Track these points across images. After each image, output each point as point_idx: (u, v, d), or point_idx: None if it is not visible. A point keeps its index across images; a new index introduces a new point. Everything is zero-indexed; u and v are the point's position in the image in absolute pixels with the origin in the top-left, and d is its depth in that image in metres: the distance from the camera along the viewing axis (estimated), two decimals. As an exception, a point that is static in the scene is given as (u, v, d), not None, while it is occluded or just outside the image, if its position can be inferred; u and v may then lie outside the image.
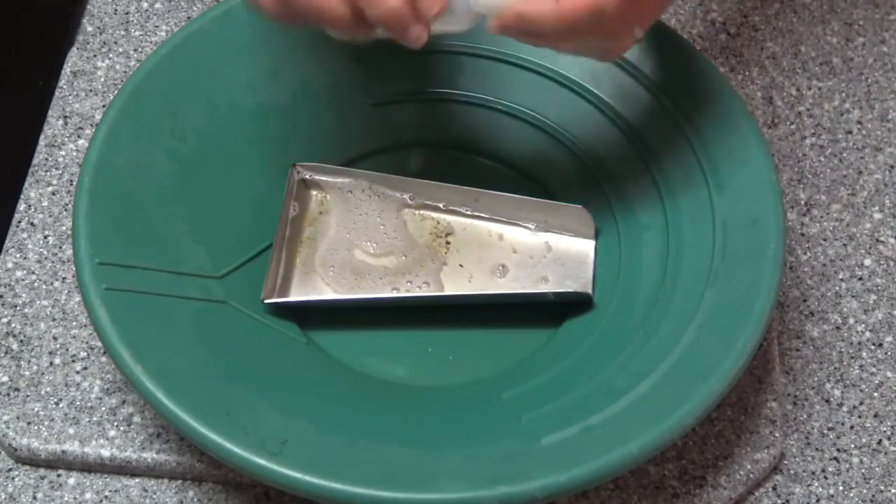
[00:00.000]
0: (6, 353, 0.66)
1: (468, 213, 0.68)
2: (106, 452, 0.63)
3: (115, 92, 0.71)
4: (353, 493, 0.54)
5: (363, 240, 0.67)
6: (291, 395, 0.59)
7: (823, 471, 0.64)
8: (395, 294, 0.65)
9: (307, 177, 0.68)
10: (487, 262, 0.66)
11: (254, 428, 0.56)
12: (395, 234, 0.67)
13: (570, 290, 0.65)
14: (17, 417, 0.63)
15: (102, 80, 0.75)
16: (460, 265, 0.66)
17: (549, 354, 0.63)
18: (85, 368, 0.65)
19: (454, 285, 0.66)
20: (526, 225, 0.67)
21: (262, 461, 0.55)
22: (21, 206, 0.71)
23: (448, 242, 0.67)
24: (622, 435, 0.56)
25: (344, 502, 0.54)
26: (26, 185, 0.71)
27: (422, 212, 0.68)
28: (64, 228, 0.70)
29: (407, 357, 0.64)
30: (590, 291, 0.65)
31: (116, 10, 0.78)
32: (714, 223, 0.63)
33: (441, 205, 0.68)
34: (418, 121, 0.70)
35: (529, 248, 0.67)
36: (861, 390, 0.67)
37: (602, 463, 0.55)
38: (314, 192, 0.68)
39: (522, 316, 0.65)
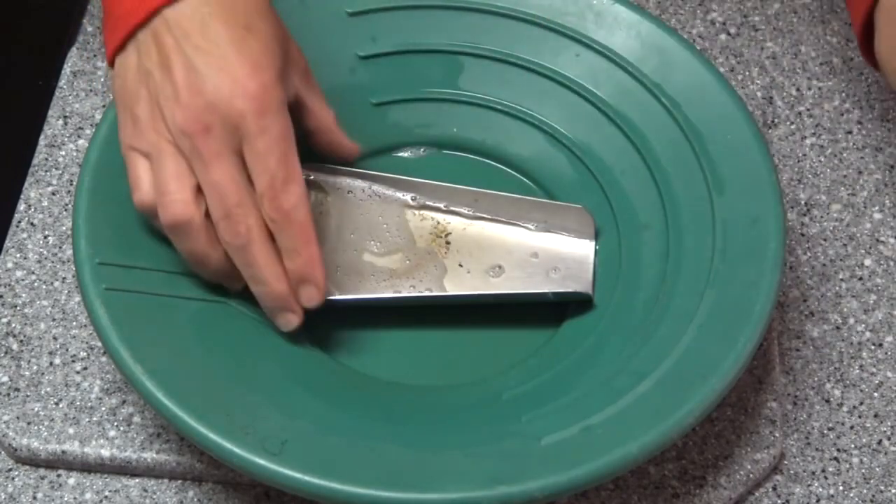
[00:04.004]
0: (6, 353, 0.66)
1: (469, 213, 0.68)
2: (106, 452, 0.63)
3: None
4: (354, 494, 0.54)
5: (368, 240, 0.66)
6: (291, 395, 0.59)
7: (823, 471, 0.64)
8: (395, 294, 0.65)
9: (308, 177, 0.68)
10: (487, 262, 0.66)
11: (254, 428, 0.56)
12: (398, 234, 0.67)
13: (570, 290, 0.65)
14: (17, 417, 0.63)
15: (102, 80, 0.75)
16: (460, 265, 0.66)
17: (549, 354, 0.63)
18: (85, 368, 0.65)
19: (454, 286, 0.65)
20: (526, 225, 0.67)
21: (262, 461, 0.55)
22: (21, 206, 0.71)
23: (448, 243, 0.67)
24: (622, 435, 0.56)
25: (344, 502, 0.54)
26: (26, 185, 0.71)
27: (422, 212, 0.68)
28: (64, 228, 0.70)
29: (407, 357, 0.64)
30: (590, 291, 0.64)
31: (116, 10, 0.78)
32: (714, 223, 0.63)
33: (442, 205, 0.68)
34: (418, 121, 0.70)
35: (530, 248, 0.67)
36: (861, 390, 0.67)
37: (602, 463, 0.55)
38: (314, 193, 0.68)
39: (522, 316, 0.65)
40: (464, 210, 0.68)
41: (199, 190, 0.58)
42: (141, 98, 0.59)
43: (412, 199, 0.68)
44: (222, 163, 0.57)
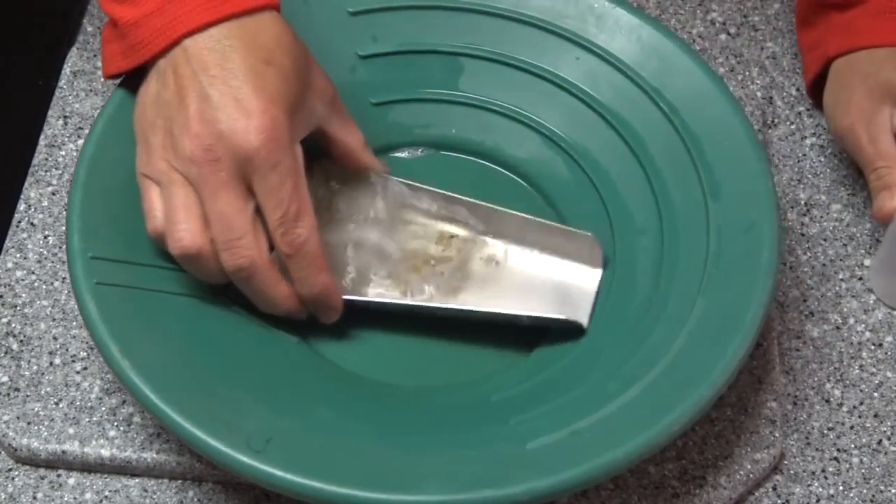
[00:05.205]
0: (6, 353, 0.66)
1: (477, 227, 0.67)
2: (106, 452, 0.63)
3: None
4: (337, 493, 0.54)
5: (368, 240, 0.66)
6: (279, 392, 0.59)
7: (823, 471, 0.64)
8: (388, 300, 0.64)
9: (321, 167, 0.67)
10: (489, 279, 0.66)
11: (239, 425, 0.56)
12: (400, 236, 0.67)
13: (564, 317, 0.63)
14: (17, 417, 0.63)
15: (102, 80, 0.75)
16: (461, 278, 0.66)
17: (539, 358, 0.63)
18: (85, 368, 0.65)
19: (451, 296, 0.65)
20: (534, 247, 0.67)
21: (245, 459, 0.55)
22: (21, 206, 0.71)
23: (452, 255, 0.67)
24: (609, 440, 0.56)
25: (327, 502, 0.54)
26: (26, 185, 0.71)
27: (431, 222, 0.67)
28: (64, 228, 0.70)
29: (396, 357, 0.64)
30: (584, 322, 0.64)
31: (117, 9, 0.78)
32: (709, 229, 0.63)
33: (451, 217, 0.67)
34: (417, 121, 0.70)
35: (534, 271, 0.66)
36: (861, 390, 0.67)
37: (587, 468, 0.55)
38: (323, 186, 0.67)
39: (510, 325, 0.65)
40: (473, 224, 0.67)
41: (207, 218, 0.58)
42: (156, 127, 0.59)
43: (418, 207, 0.67)
44: (228, 193, 0.58)
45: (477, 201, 0.67)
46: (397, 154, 0.70)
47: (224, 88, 0.57)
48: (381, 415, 0.60)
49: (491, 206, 0.67)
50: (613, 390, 0.58)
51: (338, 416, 0.59)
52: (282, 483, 0.54)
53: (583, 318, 0.64)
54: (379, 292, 0.65)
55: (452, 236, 0.67)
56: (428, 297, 0.65)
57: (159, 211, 0.59)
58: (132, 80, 0.63)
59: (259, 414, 0.57)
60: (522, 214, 0.66)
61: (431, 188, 0.67)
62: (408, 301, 0.65)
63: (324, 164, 0.67)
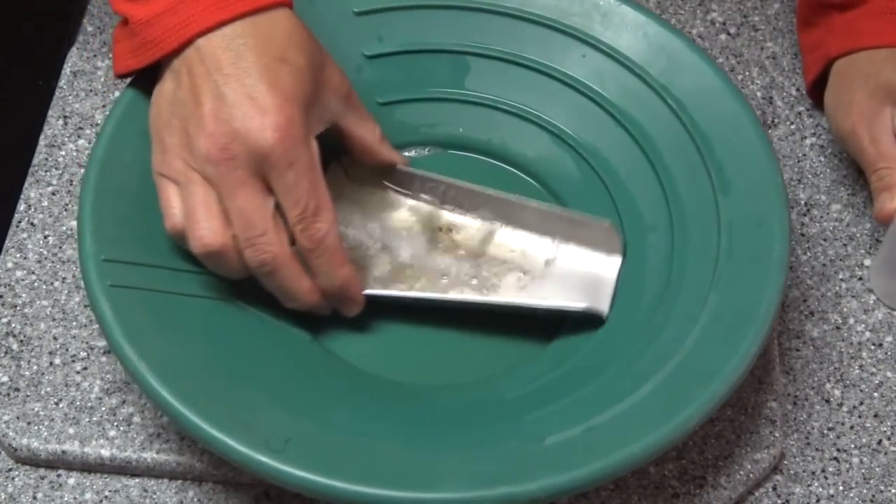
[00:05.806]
0: (6, 353, 0.65)
1: (496, 218, 0.67)
2: (106, 452, 0.63)
3: (116, 92, 0.71)
4: (357, 492, 0.54)
5: (388, 234, 0.66)
6: (295, 392, 0.59)
7: (823, 471, 0.64)
8: (407, 293, 0.64)
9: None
10: (505, 269, 0.66)
11: (257, 426, 0.56)
12: (420, 229, 0.67)
13: (584, 306, 0.63)
14: (17, 417, 0.63)
15: (102, 80, 0.75)
16: (477, 269, 0.66)
17: (553, 355, 0.63)
18: (85, 368, 0.65)
19: (467, 289, 0.65)
20: (550, 236, 0.67)
21: (264, 459, 0.55)
22: (21, 206, 0.71)
23: (471, 246, 0.66)
24: (625, 436, 0.56)
25: (346, 501, 0.54)
26: (26, 185, 0.71)
27: (451, 213, 0.67)
28: (64, 228, 0.70)
29: (411, 356, 0.64)
30: (605, 310, 0.64)
31: (116, 9, 0.78)
32: (719, 225, 0.63)
33: (466, 208, 0.67)
34: (424, 121, 0.70)
35: (551, 261, 0.66)
36: (861, 390, 0.67)
37: (604, 464, 0.55)
38: (336, 179, 0.67)
39: (527, 317, 0.65)
40: (492, 215, 0.67)
41: (227, 215, 0.58)
42: (172, 126, 0.59)
43: (436, 199, 0.67)
44: (246, 190, 0.58)
45: (495, 192, 0.67)
46: (405, 153, 0.70)
47: (238, 87, 0.58)
48: (397, 413, 0.60)
49: (509, 196, 0.67)
50: (627, 387, 0.58)
51: (355, 416, 0.59)
52: (303, 483, 0.54)
53: (603, 306, 0.64)
54: (399, 286, 0.65)
55: (472, 227, 0.67)
56: (448, 289, 0.65)
57: (178, 209, 0.59)
58: (141, 81, 0.63)
59: (276, 414, 0.57)
60: (540, 204, 0.66)
61: (450, 180, 0.67)
62: (427, 294, 0.64)
63: (343, 161, 0.67)
